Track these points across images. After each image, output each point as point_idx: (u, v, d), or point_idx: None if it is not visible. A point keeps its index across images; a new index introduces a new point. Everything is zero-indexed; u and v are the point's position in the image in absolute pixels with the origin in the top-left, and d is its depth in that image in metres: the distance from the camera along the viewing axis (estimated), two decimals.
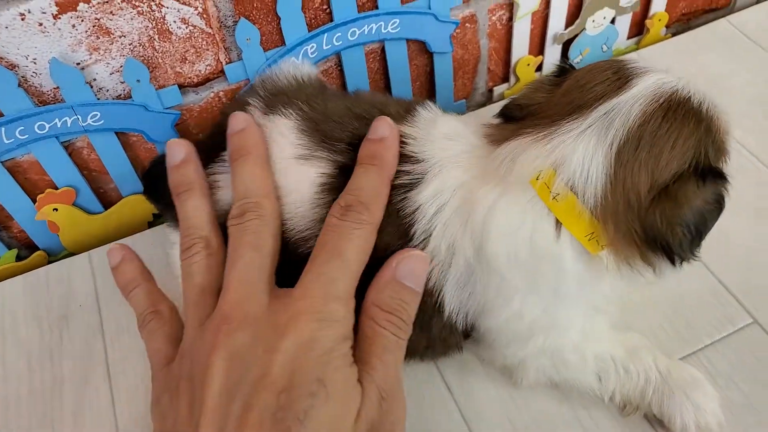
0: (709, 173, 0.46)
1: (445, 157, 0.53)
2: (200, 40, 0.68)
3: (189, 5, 0.65)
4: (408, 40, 0.78)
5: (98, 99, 0.67)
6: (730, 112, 0.49)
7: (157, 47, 0.67)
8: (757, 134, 0.77)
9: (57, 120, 0.65)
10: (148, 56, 0.67)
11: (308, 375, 0.42)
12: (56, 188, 0.72)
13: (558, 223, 0.47)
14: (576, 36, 0.89)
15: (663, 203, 0.46)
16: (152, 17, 0.64)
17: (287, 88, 0.59)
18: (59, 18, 0.61)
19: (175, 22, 0.66)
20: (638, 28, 0.95)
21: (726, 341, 0.62)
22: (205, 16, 0.66)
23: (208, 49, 0.69)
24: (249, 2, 0.67)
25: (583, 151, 0.46)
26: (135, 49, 0.66)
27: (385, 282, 0.48)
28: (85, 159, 0.73)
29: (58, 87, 0.64)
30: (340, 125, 0.55)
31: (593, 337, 0.56)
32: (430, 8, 0.75)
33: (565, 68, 0.55)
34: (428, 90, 0.86)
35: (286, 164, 0.53)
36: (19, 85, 0.62)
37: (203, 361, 0.43)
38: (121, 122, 0.69)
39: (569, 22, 0.87)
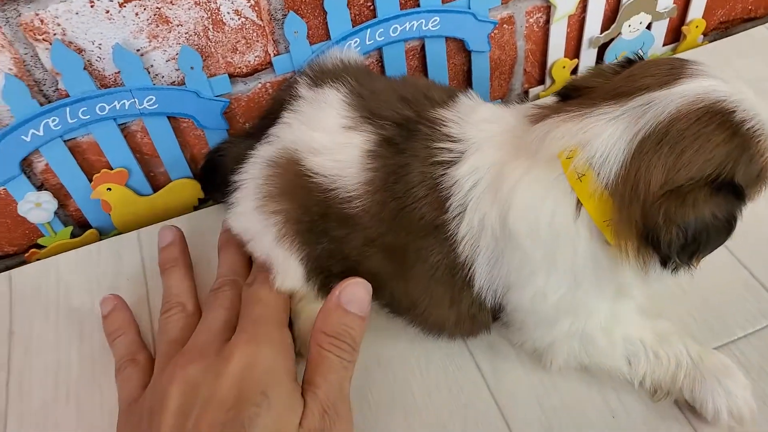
0: (726, 188, 0.45)
1: (483, 138, 0.55)
2: (251, 32, 0.72)
3: None
4: (447, 39, 0.81)
5: (154, 84, 0.72)
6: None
7: (210, 37, 0.71)
8: None
9: (116, 102, 0.70)
10: (202, 45, 0.71)
11: (253, 390, 0.48)
12: (111, 169, 0.76)
13: (579, 204, 0.49)
14: (612, 40, 0.91)
15: (671, 200, 0.45)
16: (208, 8, 0.69)
17: (334, 68, 0.63)
18: (125, 6, 0.65)
19: (228, 13, 0.70)
20: (675, 35, 0.96)
21: (759, 335, 0.62)
22: (256, 8, 0.70)
23: (257, 41, 0.73)
24: None
25: (609, 134, 0.47)
26: (190, 38, 0.70)
27: (329, 309, 0.53)
28: (138, 143, 0.77)
29: (119, 71, 0.69)
30: (386, 104, 0.58)
31: (621, 321, 0.57)
32: (469, 8, 0.79)
33: (631, 60, 0.56)
34: (465, 89, 0.89)
35: (334, 130, 0.58)
36: (84, 68, 0.67)
37: (162, 391, 0.49)
38: (174, 107, 0.73)
39: (605, 26, 0.89)
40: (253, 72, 0.76)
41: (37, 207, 0.76)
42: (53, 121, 0.69)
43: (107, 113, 0.71)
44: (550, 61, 0.90)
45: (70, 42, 0.66)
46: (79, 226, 0.82)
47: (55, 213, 0.78)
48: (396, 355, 0.64)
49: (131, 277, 0.73)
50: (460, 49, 0.84)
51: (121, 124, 0.74)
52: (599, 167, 0.47)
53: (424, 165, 0.55)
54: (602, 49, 0.92)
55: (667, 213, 0.45)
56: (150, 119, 0.74)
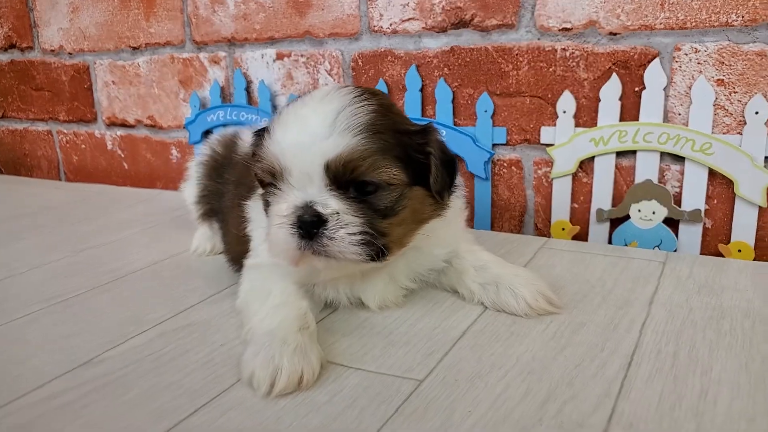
0: None
1: None
2: None
3: (331, 75, 1.08)
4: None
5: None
6: None
7: None
8: None
9: (252, 115, 1.16)
10: None
11: None
12: None
13: None
14: (621, 221, 0.87)
15: None
16: (312, 77, 1.10)
17: None
18: (276, 61, 1.13)
19: (322, 82, 1.09)
20: (713, 249, 0.82)
21: None
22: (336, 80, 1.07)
23: None
24: None
25: None
26: (301, 92, 1.12)
27: None
28: None
29: (258, 98, 1.15)
30: None
31: (270, 277, 0.66)
32: (474, 134, 0.95)
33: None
34: None
35: None
36: (246, 90, 1.16)
37: None
38: None
39: (615, 202, 0.87)
40: None
41: None
42: (222, 113, 1.19)
43: (245, 119, 1.17)
44: (553, 218, 0.92)
45: (247, 74, 1.17)
46: None
47: None
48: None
49: None
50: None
51: None
52: None
53: None
54: (614, 228, 0.88)
55: None
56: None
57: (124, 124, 1.36)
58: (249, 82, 1.17)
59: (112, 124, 1.38)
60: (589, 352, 0.58)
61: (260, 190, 0.70)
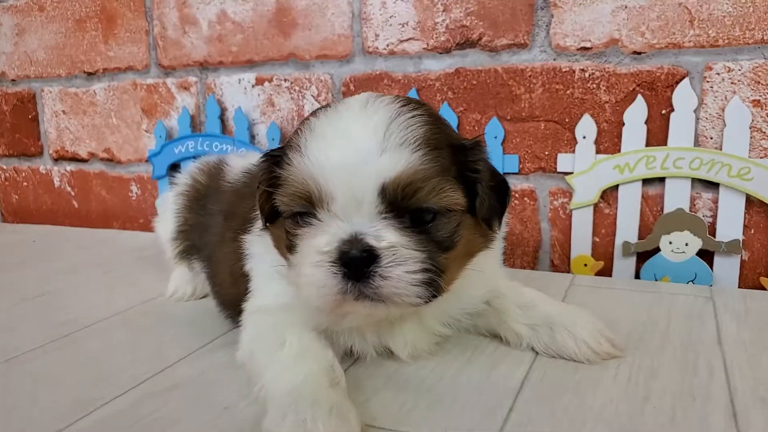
0: None
1: None
2: None
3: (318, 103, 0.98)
4: None
5: (257, 146, 1.04)
6: None
7: (294, 123, 1.01)
8: None
9: (226, 145, 1.04)
10: (287, 129, 1.01)
11: None
12: None
13: None
14: (651, 254, 0.79)
15: None
16: (297, 104, 1.00)
17: None
18: (254, 87, 1.03)
19: (311, 106, 0.99)
20: (754, 282, 0.76)
21: None
22: None
23: None
24: None
25: None
26: (282, 121, 1.01)
27: None
28: None
29: (234, 127, 1.04)
30: None
31: (284, 320, 0.54)
32: None
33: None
34: None
35: None
36: (219, 118, 1.05)
37: None
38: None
39: (642, 234, 0.80)
40: None
41: None
42: (191, 144, 1.07)
43: (219, 150, 1.05)
44: (573, 253, 0.84)
45: (221, 101, 1.06)
46: None
47: None
48: None
49: None
50: None
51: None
52: None
53: None
54: (641, 263, 0.81)
55: None
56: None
57: (75, 158, 1.21)
58: (224, 110, 1.06)
59: (60, 158, 1.22)
60: (678, 401, 0.49)
61: (259, 223, 0.58)
